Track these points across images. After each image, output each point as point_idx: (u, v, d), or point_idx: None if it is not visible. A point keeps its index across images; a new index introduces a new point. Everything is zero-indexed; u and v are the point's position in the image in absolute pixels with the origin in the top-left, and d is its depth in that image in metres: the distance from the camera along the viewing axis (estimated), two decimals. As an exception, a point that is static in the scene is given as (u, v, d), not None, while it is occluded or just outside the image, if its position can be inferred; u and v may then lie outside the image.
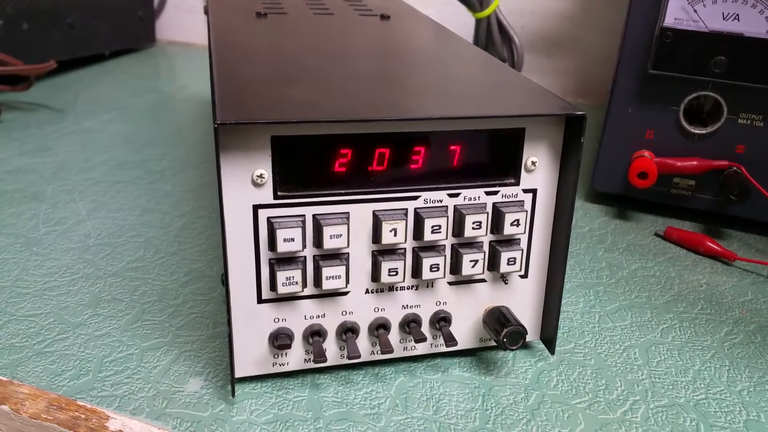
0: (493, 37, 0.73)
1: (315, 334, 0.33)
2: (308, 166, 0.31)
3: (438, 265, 0.33)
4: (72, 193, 0.55)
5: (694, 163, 0.51)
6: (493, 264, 0.35)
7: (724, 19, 0.47)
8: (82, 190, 0.55)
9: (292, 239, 0.31)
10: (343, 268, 0.32)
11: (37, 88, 0.78)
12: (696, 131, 0.51)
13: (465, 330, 0.36)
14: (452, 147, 0.32)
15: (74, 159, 0.62)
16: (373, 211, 0.32)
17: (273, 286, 0.32)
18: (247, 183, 0.30)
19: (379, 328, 0.34)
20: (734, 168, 0.50)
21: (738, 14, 0.46)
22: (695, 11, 0.47)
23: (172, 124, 0.72)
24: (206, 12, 0.56)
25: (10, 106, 0.75)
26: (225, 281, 0.31)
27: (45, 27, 0.82)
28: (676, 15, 0.48)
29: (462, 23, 0.80)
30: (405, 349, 0.35)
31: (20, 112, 0.74)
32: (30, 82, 0.72)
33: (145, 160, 0.62)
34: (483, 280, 0.35)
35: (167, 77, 0.93)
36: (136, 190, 0.55)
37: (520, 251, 0.34)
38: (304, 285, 0.32)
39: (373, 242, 0.33)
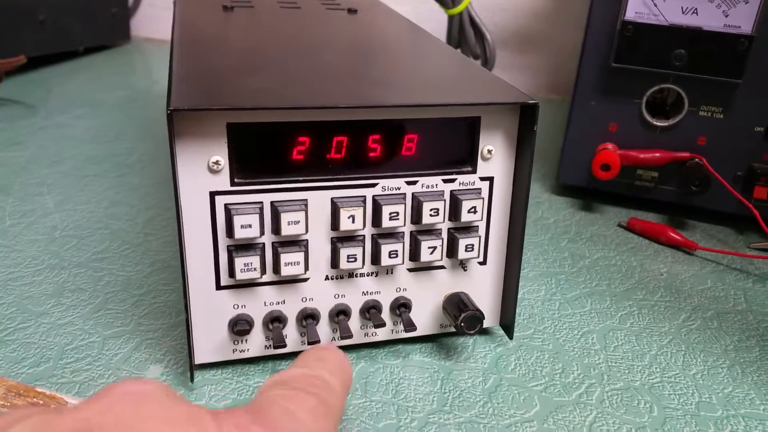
0: (465, 33, 0.74)
1: (275, 320, 0.34)
2: (265, 153, 0.31)
3: (397, 251, 0.34)
4: (40, 187, 0.54)
5: (657, 155, 0.52)
6: (451, 251, 0.35)
7: (683, 13, 0.48)
8: (50, 183, 0.55)
9: (250, 226, 0.31)
10: (302, 254, 0.32)
11: (8, 84, 0.77)
12: (658, 124, 0.52)
13: (425, 316, 0.36)
14: (410, 135, 0.33)
15: (44, 153, 0.61)
16: (331, 198, 0.32)
17: (231, 272, 0.32)
18: (203, 170, 0.30)
19: (340, 314, 0.35)
20: (696, 159, 0.51)
21: (696, 8, 0.47)
22: (655, 5, 0.48)
23: (144, 119, 0.72)
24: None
25: (-19, 101, 0.74)
26: (181, 269, 0.31)
27: (16, 23, 0.81)
28: (636, 9, 0.49)
29: (435, 20, 0.81)
30: (366, 335, 0.36)
31: (-9, 107, 0.74)
32: None
33: (115, 154, 0.62)
34: (442, 267, 0.36)
35: (141, 73, 0.93)
36: (105, 184, 0.55)
37: (478, 238, 0.35)
38: (263, 271, 0.32)
39: (331, 229, 0.33)
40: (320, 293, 0.34)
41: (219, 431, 0.21)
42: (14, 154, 0.61)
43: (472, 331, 0.35)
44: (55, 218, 0.49)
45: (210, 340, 0.33)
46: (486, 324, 0.37)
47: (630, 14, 0.49)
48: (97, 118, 0.72)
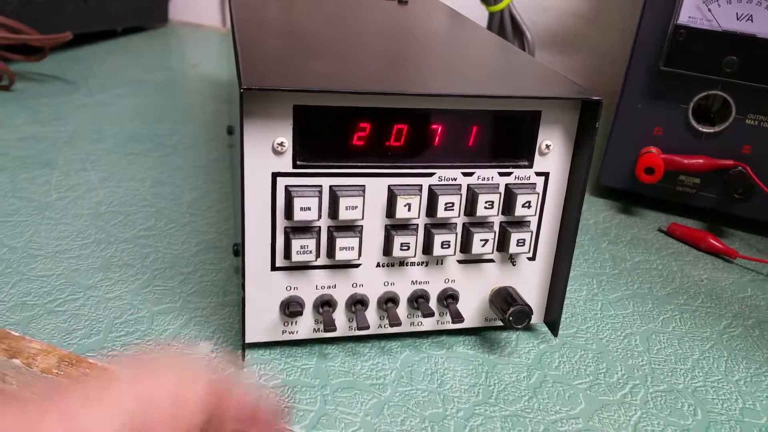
0: (505, 31, 0.73)
1: (325, 304, 0.34)
2: (328, 137, 0.31)
3: (449, 242, 0.34)
4: (84, 162, 0.55)
5: (701, 161, 0.51)
6: (502, 244, 0.35)
7: (737, 19, 0.48)
8: (94, 159, 0.56)
9: (309, 208, 0.31)
10: (357, 240, 0.33)
11: (50, 60, 0.78)
12: (704, 130, 0.52)
13: (471, 308, 0.37)
14: (469, 126, 0.33)
15: (86, 129, 0.62)
16: (389, 186, 0.33)
17: (287, 254, 0.32)
18: (267, 150, 0.30)
19: (388, 301, 0.35)
20: (740, 167, 0.51)
21: (751, 15, 0.47)
22: (709, 10, 0.48)
23: (183, 101, 0.73)
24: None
25: (24, 76, 0.75)
26: (241, 247, 0.32)
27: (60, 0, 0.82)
28: (690, 13, 0.48)
29: (474, 17, 0.81)
30: (412, 324, 0.36)
31: (33, 82, 0.74)
32: (44, 52, 0.73)
33: (157, 135, 0.62)
34: (491, 260, 0.36)
35: (178, 56, 0.93)
36: (148, 162, 0.56)
37: (530, 233, 0.35)
38: (318, 255, 0.33)
39: (387, 216, 0.33)
40: (371, 280, 0.34)
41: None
42: (57, 129, 0.61)
43: (519, 326, 0.35)
44: (100, 194, 0.50)
45: (261, 320, 0.34)
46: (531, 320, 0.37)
47: (683, 18, 0.49)
48: (137, 98, 0.72)
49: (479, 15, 0.76)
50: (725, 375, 0.36)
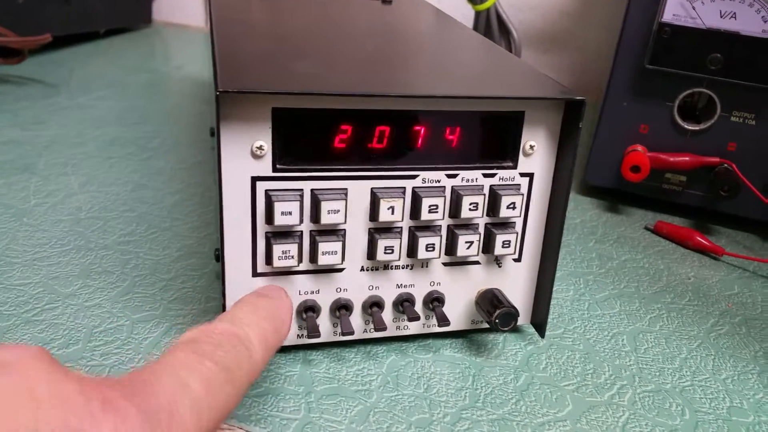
0: (491, 30, 0.73)
1: (309, 309, 0.33)
2: (308, 140, 0.31)
3: (434, 245, 0.33)
4: (64, 167, 0.54)
5: (686, 158, 0.51)
6: (487, 246, 0.35)
7: (721, 17, 0.47)
8: (74, 164, 0.55)
9: (290, 213, 0.31)
10: (340, 244, 0.32)
11: (30, 62, 0.77)
12: (689, 127, 0.51)
13: (457, 311, 0.36)
14: (452, 128, 0.32)
15: (67, 133, 0.61)
16: (372, 189, 0.32)
17: (269, 259, 0.32)
18: (246, 154, 0.30)
19: (373, 306, 0.34)
20: (725, 165, 0.51)
21: (735, 13, 0.47)
22: (693, 8, 0.48)
23: (166, 103, 0.72)
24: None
25: (2, 79, 0.74)
26: (221, 253, 0.31)
27: (41, 1, 0.81)
28: (674, 11, 0.48)
29: (461, 15, 0.80)
30: (398, 328, 0.36)
31: (12, 85, 0.73)
32: (23, 55, 0.71)
33: (139, 137, 0.61)
34: (477, 262, 0.35)
35: (162, 57, 0.92)
36: (129, 166, 0.55)
37: (515, 234, 0.34)
38: (300, 260, 0.32)
39: (370, 220, 0.33)
40: (355, 284, 0.34)
41: (85, 409, 0.18)
42: (37, 133, 0.60)
43: (506, 328, 0.34)
44: (80, 199, 0.49)
45: (243, 327, 0.33)
46: (518, 321, 0.37)
47: (667, 16, 0.48)
48: (120, 101, 0.71)
49: (465, 14, 0.76)
50: (713, 374, 0.36)
